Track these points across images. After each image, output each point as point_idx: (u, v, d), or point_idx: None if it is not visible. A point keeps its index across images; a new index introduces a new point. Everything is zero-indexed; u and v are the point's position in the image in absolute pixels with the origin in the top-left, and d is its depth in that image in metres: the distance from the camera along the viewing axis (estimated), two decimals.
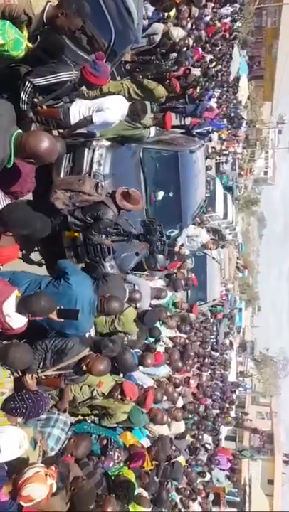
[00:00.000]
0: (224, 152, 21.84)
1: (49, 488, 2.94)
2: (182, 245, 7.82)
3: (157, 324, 6.43)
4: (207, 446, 10.79)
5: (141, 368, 5.70)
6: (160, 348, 6.58)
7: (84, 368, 3.88)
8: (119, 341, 4.73)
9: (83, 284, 4.04)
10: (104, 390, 4.52)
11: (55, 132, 4.78)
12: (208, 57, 12.25)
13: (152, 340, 6.34)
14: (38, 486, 2.90)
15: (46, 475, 2.97)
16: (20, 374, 3.63)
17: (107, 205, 4.64)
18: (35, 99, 4.04)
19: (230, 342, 19.99)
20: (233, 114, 21.64)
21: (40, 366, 3.76)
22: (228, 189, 20.25)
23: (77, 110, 4.66)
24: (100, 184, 4.69)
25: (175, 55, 8.41)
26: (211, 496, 10.89)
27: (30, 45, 3.39)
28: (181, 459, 7.75)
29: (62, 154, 3.65)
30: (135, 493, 4.53)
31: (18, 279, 3.84)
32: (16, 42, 3.18)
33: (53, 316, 3.52)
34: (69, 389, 4.27)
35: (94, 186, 4.61)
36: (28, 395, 3.30)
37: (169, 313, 7.32)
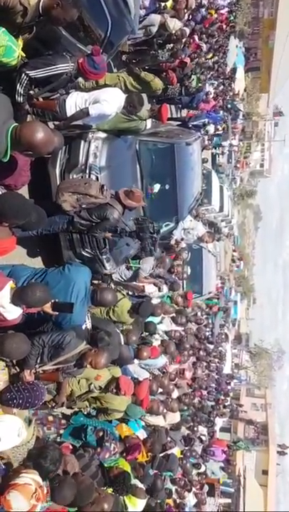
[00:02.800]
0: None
1: (31, 507, 2.91)
2: (182, 239, 7.82)
3: (152, 318, 6.46)
4: (202, 437, 10.89)
5: (136, 360, 5.74)
6: (156, 342, 6.60)
7: (87, 365, 4.01)
8: (115, 334, 4.76)
9: (81, 272, 4.19)
10: (102, 383, 4.57)
11: (51, 124, 4.76)
12: (205, 46, 12.17)
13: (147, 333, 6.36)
14: (21, 499, 2.89)
15: (35, 492, 2.95)
16: (19, 370, 3.65)
17: (113, 205, 4.80)
18: (31, 92, 4.02)
19: (226, 334, 20.08)
20: (229, 106, 21.55)
21: (38, 361, 3.78)
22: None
23: (74, 102, 4.63)
24: (104, 187, 4.83)
25: (171, 45, 8.36)
26: (206, 487, 11.00)
27: (23, 54, 3.37)
28: (177, 450, 7.82)
29: (59, 148, 3.61)
30: (131, 483, 4.60)
31: (18, 272, 3.89)
32: (8, 49, 3.14)
33: (48, 309, 3.53)
34: (66, 383, 4.30)
35: (100, 189, 4.76)
36: (24, 385, 3.31)
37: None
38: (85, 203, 4.68)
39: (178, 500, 7.91)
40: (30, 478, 3.00)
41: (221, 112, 17.95)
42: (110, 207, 4.79)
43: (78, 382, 4.49)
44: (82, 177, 5.16)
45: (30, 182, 3.90)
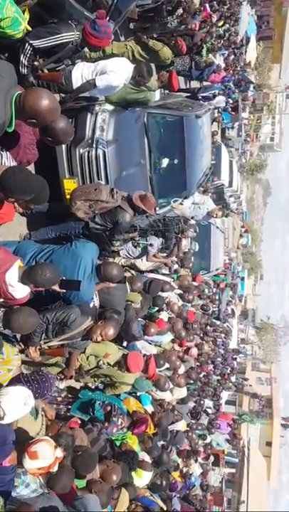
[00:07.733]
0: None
1: (54, 457, 2.96)
2: (192, 218, 7.78)
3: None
4: (208, 410, 11.07)
5: (144, 336, 5.75)
6: (164, 318, 6.61)
7: (98, 338, 4.09)
8: (123, 312, 4.76)
9: (88, 248, 4.19)
10: (111, 360, 4.59)
11: (57, 96, 4.62)
12: (215, 16, 11.75)
13: (156, 309, 6.36)
14: (47, 447, 2.95)
15: (55, 447, 3.02)
16: (23, 346, 3.65)
17: (124, 208, 4.87)
18: (36, 63, 3.89)
19: (232, 310, 20.15)
20: (240, 77, 20.96)
21: (43, 337, 3.78)
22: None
23: (80, 73, 4.47)
24: (114, 190, 4.90)
25: (181, 11, 8.06)
26: (212, 458, 11.27)
27: (29, 28, 3.24)
28: (183, 423, 7.95)
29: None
30: (138, 458, 4.68)
31: (24, 248, 3.87)
32: (14, 21, 3.05)
33: (56, 287, 3.50)
34: (76, 356, 4.33)
35: (109, 193, 4.83)
36: (33, 376, 3.29)
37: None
38: (97, 208, 4.78)
39: (184, 469, 8.08)
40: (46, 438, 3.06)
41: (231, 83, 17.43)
42: (121, 210, 4.86)
43: (87, 358, 4.52)
44: (88, 153, 5.06)
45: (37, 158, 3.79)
